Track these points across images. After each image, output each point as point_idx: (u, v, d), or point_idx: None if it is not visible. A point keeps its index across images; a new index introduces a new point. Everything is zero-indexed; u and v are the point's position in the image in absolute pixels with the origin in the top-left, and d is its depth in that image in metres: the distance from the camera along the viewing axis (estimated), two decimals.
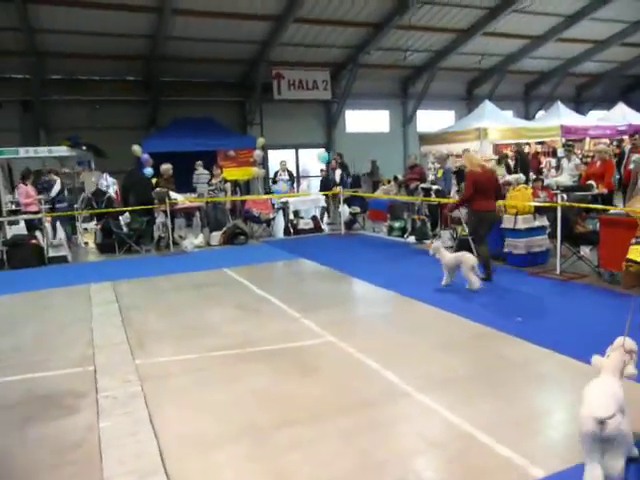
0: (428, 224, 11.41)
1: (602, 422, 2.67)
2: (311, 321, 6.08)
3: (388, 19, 17.36)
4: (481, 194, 7.40)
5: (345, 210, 13.55)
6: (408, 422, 3.76)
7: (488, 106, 17.69)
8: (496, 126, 16.44)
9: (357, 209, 13.97)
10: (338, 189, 13.63)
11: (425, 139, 18.79)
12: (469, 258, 7.01)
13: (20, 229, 11.34)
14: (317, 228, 13.51)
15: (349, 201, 14.15)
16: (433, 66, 21.24)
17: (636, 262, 6.24)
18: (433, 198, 10.82)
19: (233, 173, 15.67)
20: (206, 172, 13.87)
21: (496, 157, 13.14)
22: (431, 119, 23.32)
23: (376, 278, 8.01)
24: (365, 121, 22.48)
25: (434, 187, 10.99)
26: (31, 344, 5.83)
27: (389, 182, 15.17)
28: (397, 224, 12.15)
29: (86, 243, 12.92)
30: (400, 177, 15.03)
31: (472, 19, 18.55)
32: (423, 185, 11.52)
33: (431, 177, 12.49)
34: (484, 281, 7.20)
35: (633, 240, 6.37)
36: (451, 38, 19.68)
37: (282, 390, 4.33)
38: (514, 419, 3.67)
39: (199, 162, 14.15)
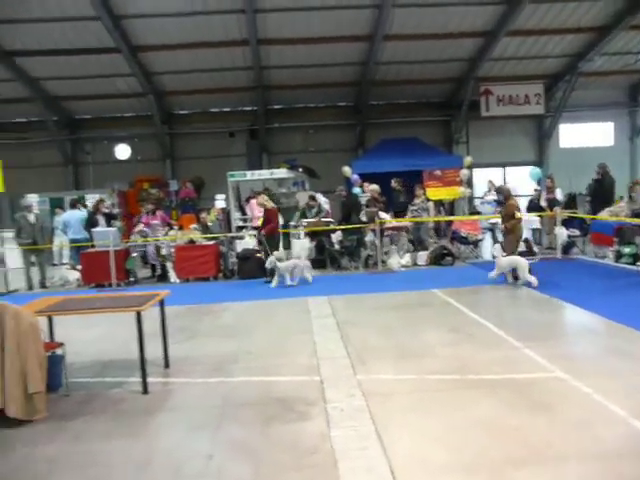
0: None
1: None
2: (534, 352, 5.65)
3: (617, 20, 15.67)
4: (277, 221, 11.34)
5: (562, 233, 12.44)
6: None
7: None
8: None
9: (576, 232, 12.74)
10: (557, 210, 12.60)
11: None
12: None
13: (245, 243, 12.73)
14: (529, 251, 12.62)
15: (566, 223, 12.97)
16: None
17: None
18: None
19: (439, 193, 15.55)
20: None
21: None
22: None
23: (606, 310, 7.15)
24: (584, 135, 20.53)
25: None
26: (263, 349, 6.43)
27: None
28: (627, 249, 10.75)
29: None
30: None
31: None
32: None
33: None
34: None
35: None
36: None
37: (511, 424, 4.07)
38: None
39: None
